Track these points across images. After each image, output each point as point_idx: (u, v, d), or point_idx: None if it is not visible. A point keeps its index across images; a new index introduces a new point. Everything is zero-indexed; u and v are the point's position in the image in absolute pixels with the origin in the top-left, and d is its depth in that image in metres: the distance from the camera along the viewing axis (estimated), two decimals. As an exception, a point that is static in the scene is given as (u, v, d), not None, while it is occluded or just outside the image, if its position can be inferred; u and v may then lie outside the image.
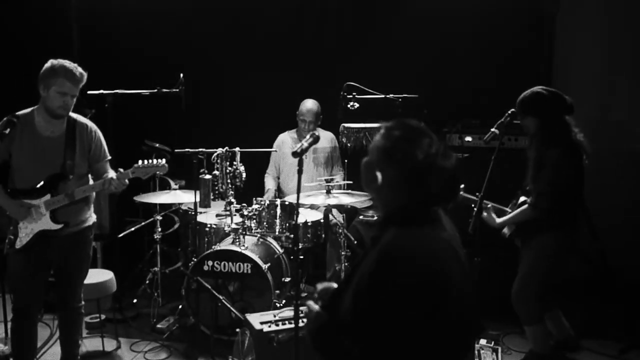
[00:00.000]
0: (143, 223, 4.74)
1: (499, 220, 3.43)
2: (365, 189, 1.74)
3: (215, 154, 3.99)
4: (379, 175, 1.65)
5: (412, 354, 1.53)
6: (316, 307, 1.79)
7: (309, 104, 4.67)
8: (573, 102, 3.29)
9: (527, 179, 3.37)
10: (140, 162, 3.22)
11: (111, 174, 3.28)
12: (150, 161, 3.22)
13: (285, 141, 4.86)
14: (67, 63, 3.03)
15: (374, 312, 1.52)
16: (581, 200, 3.42)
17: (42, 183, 3.10)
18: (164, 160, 3.26)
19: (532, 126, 3.31)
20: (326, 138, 4.77)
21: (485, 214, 3.47)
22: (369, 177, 1.68)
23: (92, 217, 3.35)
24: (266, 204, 4.19)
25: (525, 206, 3.32)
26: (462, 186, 3.24)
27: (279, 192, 4.88)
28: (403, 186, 1.62)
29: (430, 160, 1.59)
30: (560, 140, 3.23)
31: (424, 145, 1.61)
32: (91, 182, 3.31)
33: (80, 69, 3.05)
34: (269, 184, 4.88)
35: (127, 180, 3.16)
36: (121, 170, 3.17)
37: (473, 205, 3.46)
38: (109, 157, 3.33)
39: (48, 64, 3.03)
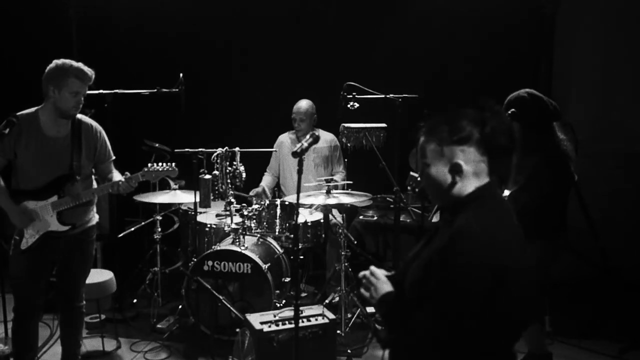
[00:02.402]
0: (143, 223, 4.74)
1: None
2: (439, 197, 1.77)
3: (215, 154, 3.99)
4: (444, 169, 1.70)
5: (475, 329, 1.59)
6: (381, 275, 1.84)
7: (300, 103, 4.73)
8: (557, 107, 3.25)
9: (509, 180, 3.35)
10: (150, 165, 3.22)
11: (115, 174, 3.28)
12: (161, 164, 3.23)
13: (284, 142, 4.89)
14: (74, 63, 3.02)
15: (441, 287, 1.59)
16: (565, 209, 3.35)
17: (49, 184, 3.09)
18: (174, 164, 3.27)
19: (515, 130, 3.29)
20: (325, 139, 4.78)
21: None
22: (439, 181, 1.72)
23: (95, 217, 3.35)
24: (266, 204, 4.19)
25: None
26: None
27: (279, 192, 4.88)
28: (481, 156, 1.69)
29: (491, 122, 1.68)
30: (539, 148, 3.18)
31: (468, 115, 1.71)
32: (94, 183, 3.31)
33: (87, 68, 3.05)
34: (264, 180, 4.92)
35: (136, 183, 3.16)
36: (128, 173, 3.17)
37: None
38: (113, 157, 3.33)
39: (54, 65, 3.01)
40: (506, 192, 3.37)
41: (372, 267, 1.88)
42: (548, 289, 3.40)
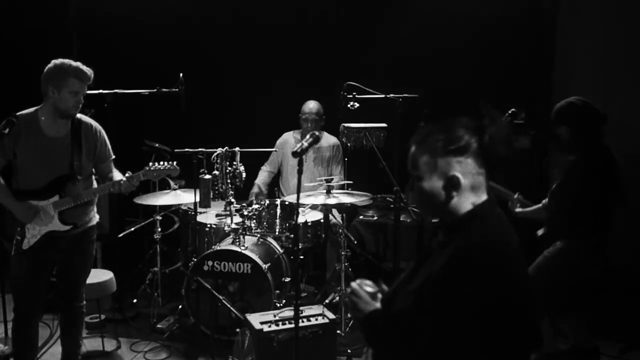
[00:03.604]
0: (143, 223, 4.74)
1: (518, 210, 3.54)
2: (433, 212, 1.67)
3: (215, 154, 3.99)
4: (439, 183, 1.60)
5: (477, 353, 1.51)
6: (362, 293, 1.76)
7: (311, 104, 4.71)
8: (606, 115, 3.33)
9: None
10: (151, 164, 3.22)
11: (116, 173, 3.28)
12: (162, 163, 3.23)
13: (288, 141, 4.87)
14: (73, 62, 3.02)
15: (440, 315, 1.50)
16: (601, 211, 3.32)
17: (49, 184, 3.08)
18: (175, 163, 3.27)
19: (564, 135, 3.36)
20: (328, 141, 4.78)
21: (510, 202, 3.57)
22: (433, 196, 1.62)
23: (95, 217, 3.36)
24: (266, 204, 4.19)
25: (540, 205, 3.40)
26: None
27: (279, 192, 4.88)
28: (479, 169, 1.59)
29: (490, 130, 1.59)
30: (582, 148, 3.27)
31: (465, 123, 1.62)
32: (95, 182, 3.31)
33: (86, 67, 3.05)
34: (259, 178, 4.88)
35: (137, 182, 3.15)
36: (129, 172, 3.16)
37: None
38: (113, 157, 3.33)
39: (52, 65, 3.01)
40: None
41: (353, 285, 1.79)
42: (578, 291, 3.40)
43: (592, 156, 3.26)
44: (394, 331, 1.61)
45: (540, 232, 3.51)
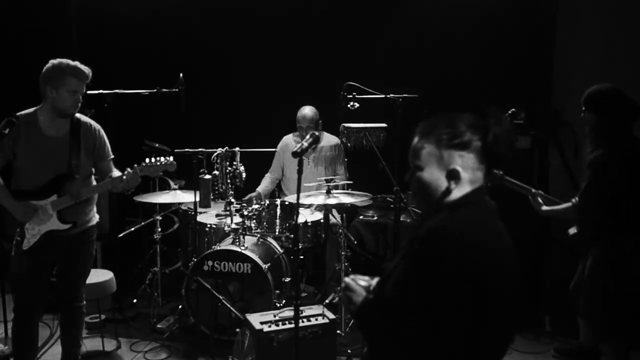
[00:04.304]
0: (143, 223, 4.74)
1: (545, 208, 3.42)
2: (429, 203, 1.68)
3: (215, 154, 3.99)
4: (440, 174, 1.63)
5: (458, 335, 1.51)
6: (355, 286, 1.78)
7: (304, 111, 4.67)
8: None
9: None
10: (147, 160, 3.22)
11: (116, 173, 3.28)
12: (158, 159, 3.23)
13: (289, 143, 4.85)
14: (71, 62, 3.02)
15: (420, 288, 1.51)
16: (632, 209, 3.11)
17: (48, 183, 3.09)
18: (171, 158, 3.27)
19: (590, 122, 3.20)
20: (330, 141, 4.77)
21: (531, 198, 3.47)
22: (433, 186, 1.65)
23: (95, 217, 3.36)
24: (266, 204, 4.19)
25: (570, 203, 3.27)
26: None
27: (279, 192, 4.88)
28: (480, 165, 1.63)
29: (494, 129, 1.63)
30: (609, 142, 3.10)
31: (469, 120, 1.64)
32: (94, 182, 3.31)
33: (84, 66, 3.05)
34: (262, 185, 4.83)
35: (139, 179, 3.14)
36: (129, 170, 3.17)
37: None
38: (112, 156, 3.33)
39: (50, 65, 3.01)
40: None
41: (347, 280, 1.81)
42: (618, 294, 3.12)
43: (620, 149, 3.07)
44: (387, 319, 1.62)
45: (572, 230, 3.38)
